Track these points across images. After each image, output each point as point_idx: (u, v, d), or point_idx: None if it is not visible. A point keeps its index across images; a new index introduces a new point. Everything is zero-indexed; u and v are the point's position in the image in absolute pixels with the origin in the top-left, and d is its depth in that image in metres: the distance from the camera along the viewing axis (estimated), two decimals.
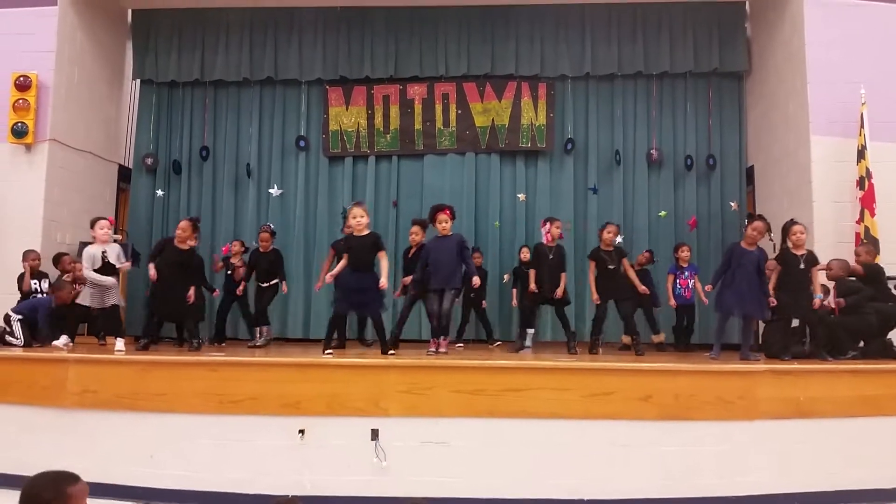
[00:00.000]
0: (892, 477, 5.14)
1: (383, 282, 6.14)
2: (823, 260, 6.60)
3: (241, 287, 7.70)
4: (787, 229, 6.38)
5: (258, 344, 7.59)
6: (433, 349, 6.35)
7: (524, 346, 7.41)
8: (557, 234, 7.11)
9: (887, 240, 6.98)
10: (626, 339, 7.88)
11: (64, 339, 6.36)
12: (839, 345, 6.31)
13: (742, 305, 6.28)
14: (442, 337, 6.45)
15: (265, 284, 7.75)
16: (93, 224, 6.50)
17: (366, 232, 6.29)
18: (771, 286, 6.28)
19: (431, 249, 6.53)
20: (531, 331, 7.93)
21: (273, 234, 7.94)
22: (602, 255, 7.03)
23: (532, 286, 7.05)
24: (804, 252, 6.29)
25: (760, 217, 6.50)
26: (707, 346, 6.98)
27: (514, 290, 8.24)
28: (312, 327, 8.95)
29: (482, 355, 6.45)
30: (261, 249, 7.81)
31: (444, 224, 6.49)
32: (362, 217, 6.24)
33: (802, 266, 6.23)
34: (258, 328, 7.80)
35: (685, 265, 7.84)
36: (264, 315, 7.84)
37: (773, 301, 6.21)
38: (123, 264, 6.54)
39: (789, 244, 6.34)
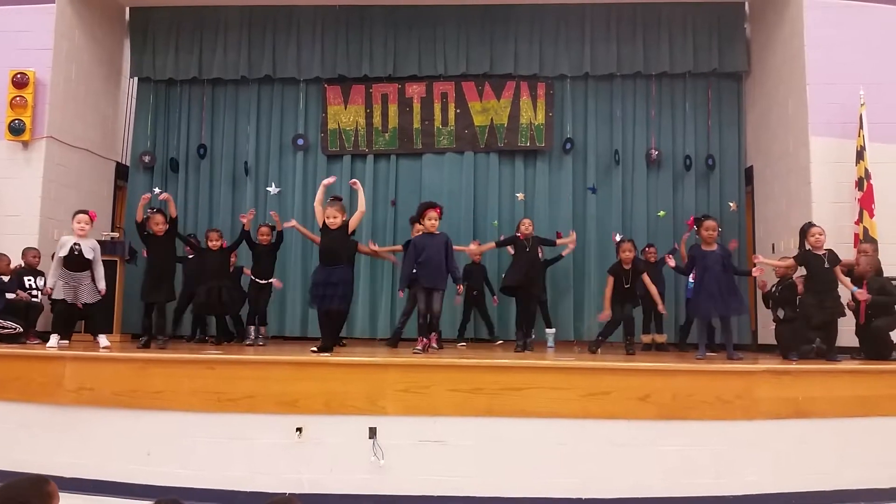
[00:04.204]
0: (890, 477, 5.13)
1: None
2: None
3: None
4: (805, 232, 6.42)
5: (256, 342, 7.57)
6: (420, 347, 6.32)
7: (521, 345, 7.48)
8: (529, 231, 7.23)
9: (886, 241, 6.98)
10: (660, 338, 8.01)
11: (54, 339, 6.27)
12: (884, 349, 6.31)
13: (719, 307, 6.31)
14: (424, 337, 6.43)
15: (263, 282, 7.70)
16: (73, 216, 6.44)
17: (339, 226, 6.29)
18: (776, 262, 6.40)
19: (421, 246, 6.52)
20: (552, 330, 7.98)
21: (273, 228, 7.88)
22: (620, 272, 7.10)
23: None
24: (825, 252, 6.28)
25: (709, 216, 6.67)
26: (712, 346, 7.00)
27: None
28: (310, 325, 8.93)
29: (480, 354, 6.44)
30: (261, 244, 7.75)
31: (433, 221, 6.52)
32: (336, 217, 6.21)
33: (827, 265, 6.23)
34: (255, 327, 7.72)
35: None
36: (264, 315, 7.84)
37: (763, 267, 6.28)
38: (98, 277, 6.42)
39: (808, 246, 6.36)
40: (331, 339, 6.28)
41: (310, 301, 6.46)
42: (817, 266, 6.24)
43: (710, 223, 6.46)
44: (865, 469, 5.12)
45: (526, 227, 7.32)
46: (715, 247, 6.42)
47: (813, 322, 6.21)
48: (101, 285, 6.42)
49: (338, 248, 6.25)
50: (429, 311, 6.48)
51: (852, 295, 6.38)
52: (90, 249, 6.33)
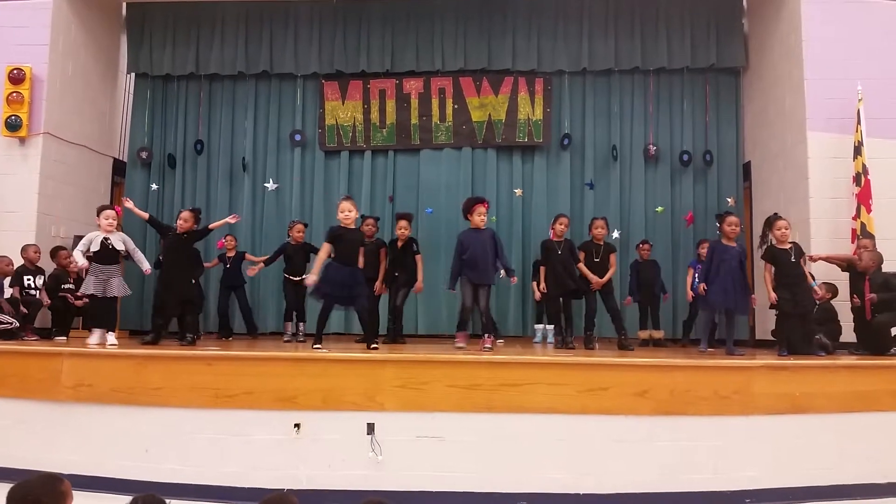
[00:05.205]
0: (887, 472, 5.15)
1: (378, 284, 6.67)
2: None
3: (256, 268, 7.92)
4: (770, 224, 6.41)
5: (300, 340, 7.78)
6: (489, 345, 6.35)
7: (548, 342, 7.58)
8: (560, 231, 7.10)
9: (883, 236, 6.98)
10: (657, 334, 8.04)
11: (98, 334, 6.32)
12: (884, 343, 6.34)
13: (727, 301, 6.35)
14: (488, 335, 6.43)
15: (297, 279, 7.78)
16: (99, 212, 6.48)
17: (353, 227, 6.35)
18: (770, 286, 6.30)
19: (468, 243, 6.52)
20: (550, 327, 7.95)
21: (306, 225, 8.19)
22: (591, 247, 7.14)
23: (542, 285, 7.10)
24: (790, 245, 6.31)
25: (731, 212, 6.75)
26: (716, 341, 7.01)
27: (535, 284, 7.85)
28: (308, 321, 8.91)
29: (479, 350, 6.44)
30: (293, 242, 7.90)
31: (482, 217, 6.53)
32: (350, 212, 6.27)
33: (794, 259, 6.25)
34: (299, 323, 7.97)
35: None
36: (303, 311, 7.98)
37: (773, 298, 6.22)
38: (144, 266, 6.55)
39: (773, 240, 6.37)
40: (373, 333, 6.39)
41: (325, 298, 6.34)
42: (785, 261, 6.27)
43: (732, 219, 6.50)
44: (863, 464, 5.13)
45: (563, 225, 7.09)
46: (735, 243, 6.44)
47: (788, 316, 6.23)
48: (146, 266, 6.64)
49: (357, 249, 6.30)
50: (479, 308, 6.52)
51: (850, 295, 6.41)
52: (120, 242, 6.42)
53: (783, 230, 6.30)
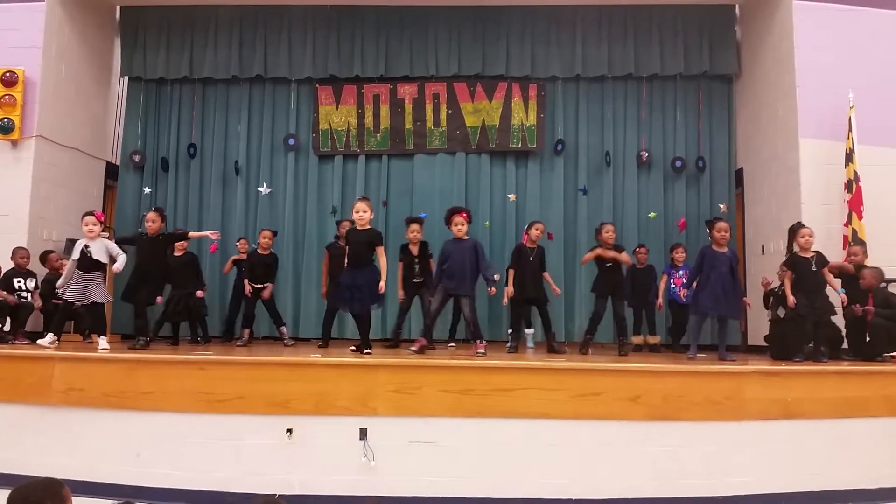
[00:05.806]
0: (877, 477, 5.17)
1: (382, 284, 6.19)
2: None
3: (247, 288, 7.81)
4: (794, 232, 6.43)
5: (288, 343, 7.83)
6: (415, 348, 6.39)
7: (514, 346, 7.48)
8: (536, 236, 7.13)
9: (874, 243, 7.03)
10: (652, 340, 8.06)
11: (50, 337, 6.26)
12: (878, 347, 6.35)
13: (718, 307, 6.37)
14: (479, 340, 6.47)
15: (259, 286, 7.77)
16: (81, 219, 6.45)
17: (368, 227, 6.32)
18: (789, 292, 6.32)
19: (449, 252, 6.55)
20: (530, 331, 7.93)
21: (275, 233, 8.10)
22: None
23: (510, 288, 7.09)
24: (813, 254, 6.33)
25: (720, 218, 6.82)
26: (705, 347, 7.02)
27: (507, 289, 8.07)
28: (302, 326, 8.91)
29: (471, 355, 6.44)
30: (260, 251, 7.84)
31: (460, 227, 6.53)
32: (365, 212, 6.25)
33: (815, 268, 6.27)
34: (281, 327, 8.06)
35: (680, 265, 7.89)
36: (278, 316, 8.10)
37: (792, 301, 6.24)
38: (115, 264, 6.38)
39: (796, 248, 6.40)
40: (364, 340, 6.30)
41: (335, 303, 6.49)
42: (805, 269, 6.29)
43: (722, 224, 6.53)
44: (853, 469, 5.16)
45: (539, 231, 7.15)
46: (725, 249, 6.47)
47: (807, 323, 6.25)
48: (119, 267, 6.35)
49: (365, 250, 6.26)
50: (464, 318, 6.60)
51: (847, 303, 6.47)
52: (99, 250, 6.32)
53: (807, 238, 6.32)
